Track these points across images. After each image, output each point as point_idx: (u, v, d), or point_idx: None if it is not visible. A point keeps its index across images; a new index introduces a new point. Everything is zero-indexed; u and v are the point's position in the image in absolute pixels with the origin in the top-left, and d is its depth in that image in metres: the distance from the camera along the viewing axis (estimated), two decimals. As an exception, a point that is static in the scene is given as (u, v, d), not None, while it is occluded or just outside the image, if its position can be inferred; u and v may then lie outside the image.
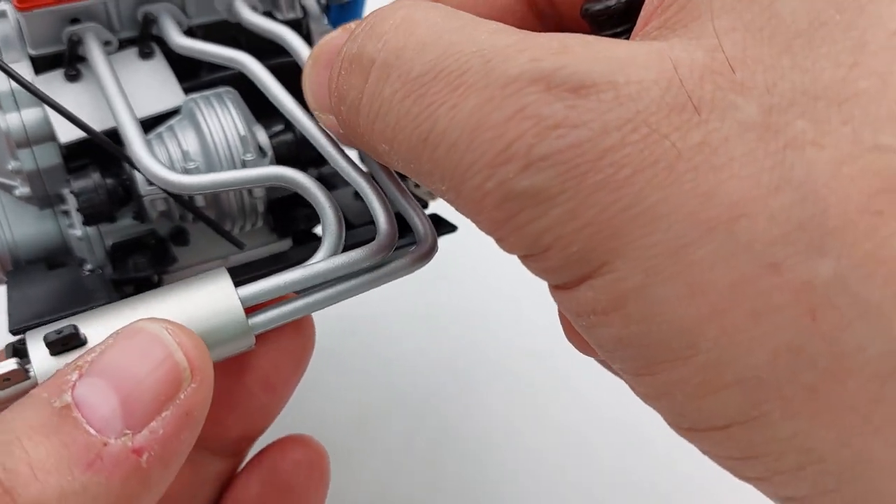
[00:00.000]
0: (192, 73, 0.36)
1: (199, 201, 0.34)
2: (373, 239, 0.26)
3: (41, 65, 0.34)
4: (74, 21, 0.33)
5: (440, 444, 0.54)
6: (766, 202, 0.16)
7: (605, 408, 0.55)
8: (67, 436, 0.19)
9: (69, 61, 0.33)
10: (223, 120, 0.33)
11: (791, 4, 0.18)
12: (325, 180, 0.41)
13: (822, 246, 0.16)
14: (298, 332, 0.29)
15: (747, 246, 0.16)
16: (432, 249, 0.26)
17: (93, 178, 0.32)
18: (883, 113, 0.16)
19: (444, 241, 0.38)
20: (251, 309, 0.24)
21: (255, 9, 0.36)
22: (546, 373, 0.58)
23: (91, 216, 0.33)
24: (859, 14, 0.17)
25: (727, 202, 0.16)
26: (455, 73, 0.19)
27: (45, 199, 0.35)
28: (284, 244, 0.38)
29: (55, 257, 0.36)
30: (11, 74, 0.30)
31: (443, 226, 0.34)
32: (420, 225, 0.27)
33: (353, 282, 0.25)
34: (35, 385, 0.21)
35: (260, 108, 0.34)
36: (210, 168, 0.33)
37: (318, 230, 0.39)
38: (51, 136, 0.33)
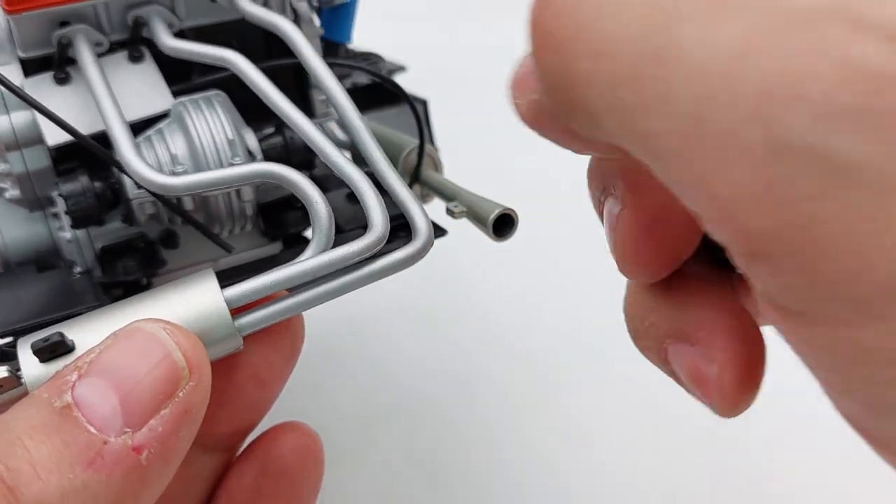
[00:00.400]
0: (183, 76, 0.36)
1: (188, 204, 0.34)
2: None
3: (31, 67, 0.34)
4: (64, 24, 0.33)
5: (440, 444, 0.54)
6: None
7: (606, 408, 0.55)
8: (68, 435, 0.19)
9: (58, 64, 0.33)
10: (211, 123, 0.33)
11: None
12: (317, 183, 0.41)
13: None
14: (288, 328, 0.29)
15: None
16: (427, 244, 0.25)
17: (81, 182, 0.32)
18: None
19: (444, 242, 0.38)
20: (239, 310, 0.24)
21: None
22: (546, 373, 0.58)
23: (79, 219, 0.33)
24: None
25: None
26: None
27: (35, 201, 0.35)
28: (275, 247, 0.38)
29: (45, 259, 0.36)
30: (-1, 77, 0.30)
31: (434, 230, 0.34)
32: (417, 217, 0.26)
33: (342, 279, 0.25)
34: (27, 392, 0.22)
35: (251, 111, 0.34)
36: (198, 171, 0.33)
37: (308, 233, 0.39)
38: (40, 139, 0.33)
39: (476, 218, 0.36)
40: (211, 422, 0.29)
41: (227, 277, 0.24)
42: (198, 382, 0.21)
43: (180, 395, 0.20)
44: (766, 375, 0.20)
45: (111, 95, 0.31)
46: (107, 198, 0.33)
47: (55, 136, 0.32)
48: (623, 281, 0.24)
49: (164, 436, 0.20)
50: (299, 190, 0.26)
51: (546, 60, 0.17)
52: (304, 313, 0.26)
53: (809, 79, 0.13)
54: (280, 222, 0.37)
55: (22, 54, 0.33)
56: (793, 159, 0.13)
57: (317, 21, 0.40)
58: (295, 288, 0.25)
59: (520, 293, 0.65)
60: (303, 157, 0.37)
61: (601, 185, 0.22)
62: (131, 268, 0.34)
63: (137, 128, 0.33)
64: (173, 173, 0.32)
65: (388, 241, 0.25)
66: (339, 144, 0.45)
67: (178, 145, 0.33)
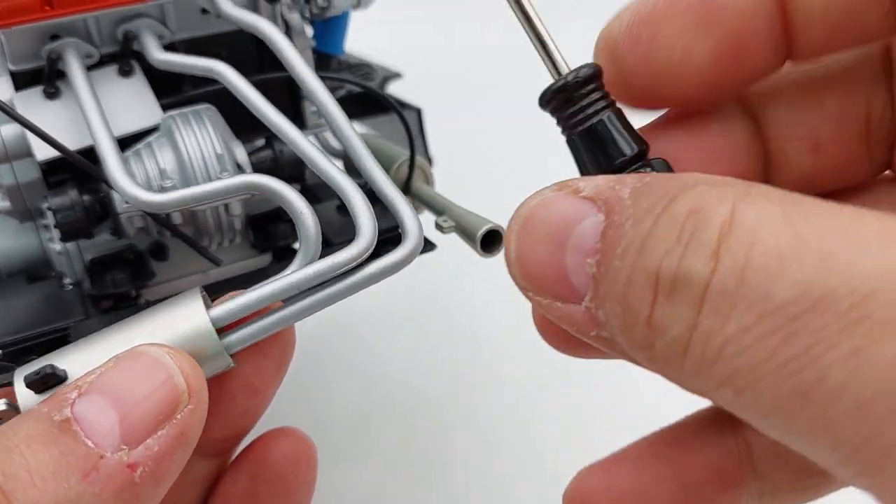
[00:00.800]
0: (174, 89, 0.36)
1: (176, 218, 0.34)
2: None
3: (22, 80, 0.34)
4: (55, 37, 0.33)
5: (437, 444, 0.54)
6: None
7: (604, 407, 0.56)
8: (66, 446, 0.19)
9: (48, 79, 0.33)
10: (200, 138, 0.33)
11: None
12: (309, 194, 0.41)
13: None
14: (278, 337, 0.29)
15: None
16: (416, 248, 0.25)
17: (70, 195, 0.33)
18: None
19: (442, 243, 0.38)
20: (228, 327, 0.24)
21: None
22: (544, 373, 0.58)
23: (68, 233, 0.33)
24: None
25: None
26: (848, 302, 0.14)
27: (26, 212, 0.35)
28: (264, 260, 0.39)
29: (36, 270, 0.36)
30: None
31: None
32: (407, 219, 0.25)
33: (331, 289, 0.24)
34: None
35: (242, 123, 0.34)
36: (186, 186, 0.33)
37: (297, 245, 0.39)
38: (29, 152, 0.33)
39: (464, 233, 0.36)
40: (204, 428, 0.29)
41: (216, 290, 0.24)
42: (196, 406, 0.21)
43: (178, 416, 0.21)
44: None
45: (100, 111, 0.31)
46: (95, 211, 0.33)
47: (44, 152, 0.32)
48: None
49: (159, 455, 0.20)
50: (285, 200, 0.26)
51: (657, 366, 0.18)
52: None
53: None
54: (269, 235, 0.37)
55: (13, 67, 0.34)
56: None
57: (309, 32, 0.40)
58: (284, 300, 0.25)
59: (514, 294, 0.65)
60: (292, 170, 0.37)
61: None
62: (121, 280, 0.35)
63: (127, 141, 0.34)
64: (162, 188, 0.33)
65: (376, 255, 0.25)
66: (334, 154, 0.45)
67: (166, 159, 0.33)
